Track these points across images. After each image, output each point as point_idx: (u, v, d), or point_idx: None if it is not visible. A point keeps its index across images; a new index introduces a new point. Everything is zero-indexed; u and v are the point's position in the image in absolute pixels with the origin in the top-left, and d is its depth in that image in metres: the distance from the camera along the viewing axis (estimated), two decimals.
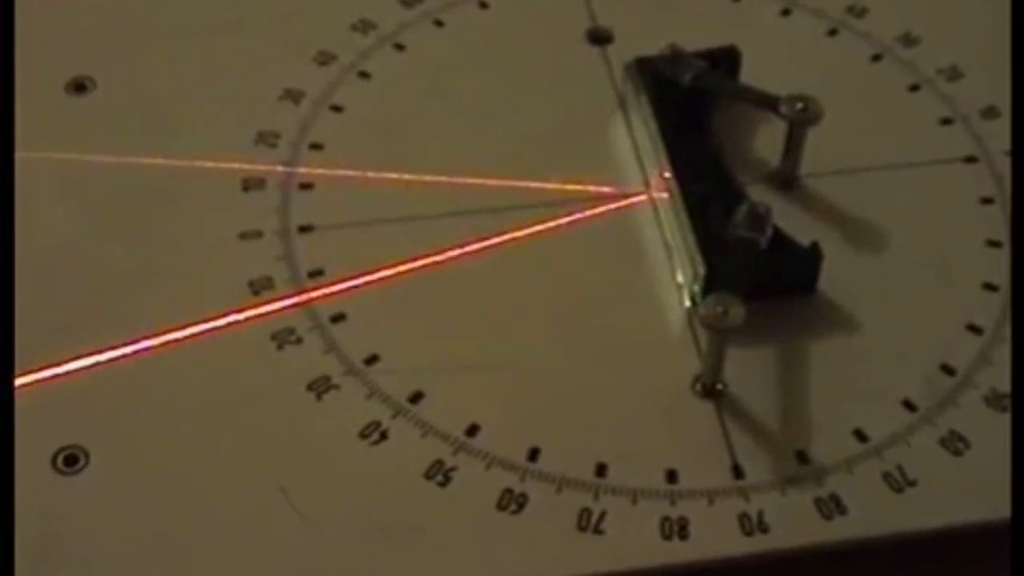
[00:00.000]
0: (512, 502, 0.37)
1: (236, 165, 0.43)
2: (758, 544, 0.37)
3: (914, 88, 0.46)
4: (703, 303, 0.38)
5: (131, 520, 0.37)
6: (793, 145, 0.43)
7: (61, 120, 0.45)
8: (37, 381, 0.39)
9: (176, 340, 0.40)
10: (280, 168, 0.44)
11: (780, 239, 0.41)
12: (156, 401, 0.39)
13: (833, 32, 0.48)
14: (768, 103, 0.43)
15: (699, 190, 0.42)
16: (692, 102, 0.44)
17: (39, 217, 0.42)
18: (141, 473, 0.37)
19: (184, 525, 0.37)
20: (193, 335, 0.40)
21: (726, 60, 0.45)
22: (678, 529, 0.37)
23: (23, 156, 0.43)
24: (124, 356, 0.39)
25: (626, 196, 0.44)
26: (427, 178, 0.44)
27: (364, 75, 0.46)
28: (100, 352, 0.39)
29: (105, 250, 0.42)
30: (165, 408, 0.39)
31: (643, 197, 0.44)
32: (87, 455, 0.38)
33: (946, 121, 0.45)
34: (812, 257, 0.41)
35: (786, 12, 0.48)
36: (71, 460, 0.37)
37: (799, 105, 0.42)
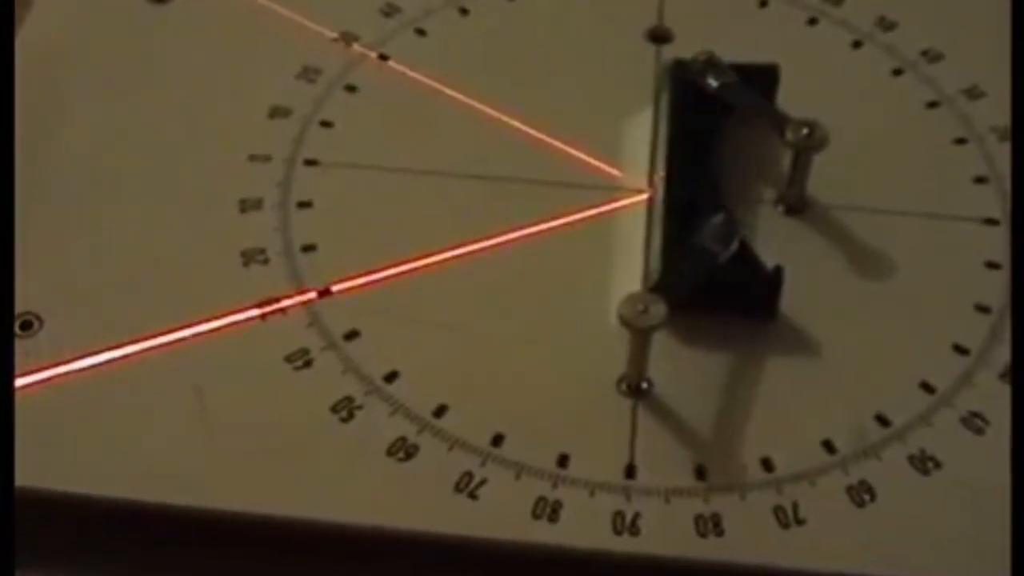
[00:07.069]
0: (403, 450, 0.38)
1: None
2: (622, 544, 0.37)
3: (961, 141, 0.45)
4: (623, 300, 0.38)
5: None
6: (799, 170, 0.42)
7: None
8: None
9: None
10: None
11: (746, 258, 0.40)
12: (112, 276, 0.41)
13: (898, 72, 0.47)
14: (777, 125, 0.42)
15: (684, 195, 0.42)
16: (715, 111, 0.44)
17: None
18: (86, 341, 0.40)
19: (102, 400, 0.39)
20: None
21: (763, 77, 0.44)
22: (550, 512, 0.37)
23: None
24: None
25: (631, 192, 0.44)
26: (440, 139, 0.45)
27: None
28: None
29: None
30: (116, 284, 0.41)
31: (645, 196, 0.44)
32: (41, 321, 0.40)
33: (980, 180, 0.44)
34: (772, 281, 0.40)
35: (856, 44, 0.47)
36: (26, 325, 0.40)
37: (804, 131, 0.42)
